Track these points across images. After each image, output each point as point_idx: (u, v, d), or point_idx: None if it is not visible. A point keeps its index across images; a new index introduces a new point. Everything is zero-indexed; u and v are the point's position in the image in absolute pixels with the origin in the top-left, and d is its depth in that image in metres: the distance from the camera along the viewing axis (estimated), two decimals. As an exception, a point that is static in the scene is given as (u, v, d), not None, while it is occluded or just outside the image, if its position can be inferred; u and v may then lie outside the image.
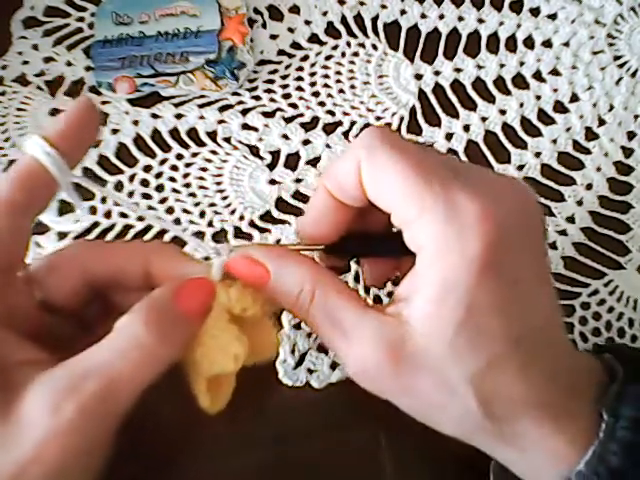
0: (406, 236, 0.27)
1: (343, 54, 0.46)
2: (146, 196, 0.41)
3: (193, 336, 0.26)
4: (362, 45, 0.46)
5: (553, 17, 0.47)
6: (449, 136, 0.44)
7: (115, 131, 0.42)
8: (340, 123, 0.43)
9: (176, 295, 0.26)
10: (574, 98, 0.45)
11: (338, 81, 0.45)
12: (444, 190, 0.25)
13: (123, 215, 0.40)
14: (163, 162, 0.42)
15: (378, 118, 0.44)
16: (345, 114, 0.44)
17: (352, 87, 0.45)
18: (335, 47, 0.46)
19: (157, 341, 0.24)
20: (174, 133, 0.42)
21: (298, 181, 0.42)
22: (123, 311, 0.25)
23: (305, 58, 0.45)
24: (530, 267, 0.26)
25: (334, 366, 0.36)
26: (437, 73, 0.45)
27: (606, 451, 0.26)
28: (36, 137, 0.25)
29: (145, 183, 0.41)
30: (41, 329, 0.26)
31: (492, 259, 0.25)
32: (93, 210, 0.40)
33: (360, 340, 0.26)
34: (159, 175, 0.41)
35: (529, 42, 0.47)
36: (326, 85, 0.45)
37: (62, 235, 0.39)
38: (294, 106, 0.44)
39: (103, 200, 0.40)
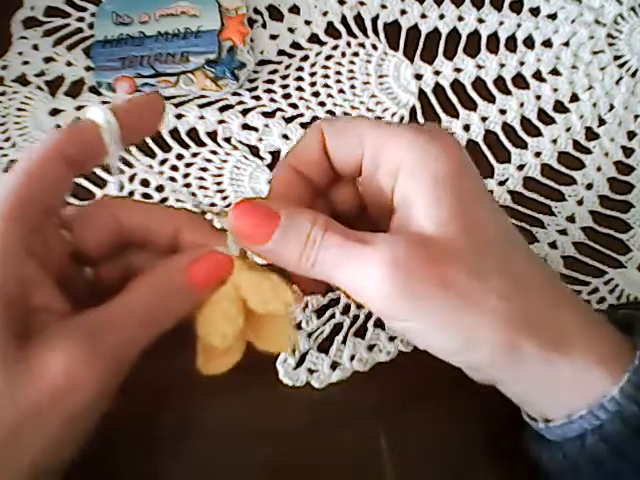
0: (382, 168, 0.28)
1: (343, 54, 0.46)
2: (146, 196, 0.41)
3: (201, 304, 0.27)
4: (362, 45, 0.46)
5: (553, 17, 0.47)
6: (449, 136, 0.44)
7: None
8: (340, 123, 0.43)
9: (190, 265, 0.27)
10: (574, 98, 0.45)
11: (338, 81, 0.45)
12: (409, 125, 0.28)
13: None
14: (163, 162, 0.42)
15: (378, 118, 0.44)
16: (345, 114, 0.44)
17: (352, 87, 0.45)
18: (335, 47, 0.46)
19: (156, 308, 0.26)
20: (174, 133, 0.42)
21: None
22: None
23: (305, 58, 0.45)
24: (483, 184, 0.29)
25: (334, 366, 0.36)
26: (437, 73, 0.45)
27: None
28: (103, 106, 0.27)
29: (145, 183, 0.41)
30: (67, 279, 0.27)
31: (464, 157, 0.27)
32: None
33: (384, 241, 0.26)
34: (159, 175, 0.41)
35: (529, 42, 0.47)
36: (326, 85, 0.45)
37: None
38: (294, 106, 0.44)
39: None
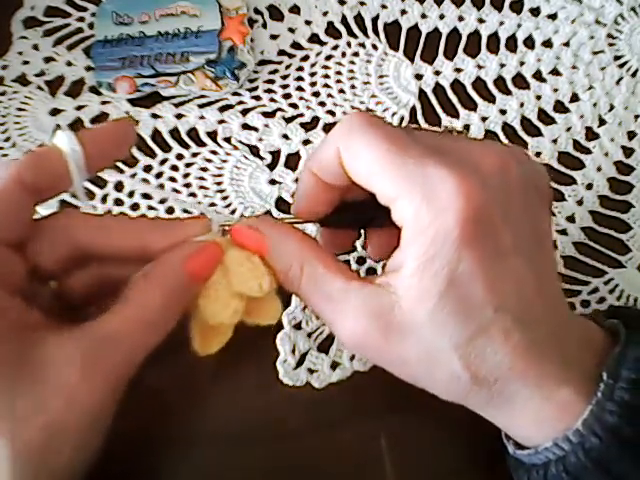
0: (392, 213, 0.27)
1: (343, 54, 0.46)
2: (146, 196, 0.41)
3: (198, 293, 0.28)
4: (362, 45, 0.46)
5: (553, 17, 0.47)
6: (449, 136, 0.44)
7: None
8: (340, 123, 0.43)
9: (186, 261, 0.27)
10: (574, 98, 0.45)
11: (338, 81, 0.45)
12: (419, 168, 0.26)
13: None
14: (163, 162, 0.42)
15: (378, 118, 0.44)
16: (345, 114, 0.44)
17: (352, 87, 0.45)
18: (335, 47, 0.46)
19: (169, 308, 0.27)
20: (174, 133, 0.42)
21: (298, 181, 0.42)
22: (117, 279, 0.27)
23: (305, 58, 0.45)
24: (515, 236, 0.26)
25: (334, 366, 0.36)
26: (437, 73, 0.45)
27: (603, 410, 0.26)
28: (69, 132, 0.27)
29: (145, 183, 0.41)
30: (32, 294, 0.27)
31: (470, 232, 0.25)
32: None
33: (348, 310, 0.27)
34: (159, 175, 0.41)
35: (529, 42, 0.47)
36: (326, 85, 0.45)
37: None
38: (294, 106, 0.44)
39: (103, 199, 0.40)
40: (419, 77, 0.45)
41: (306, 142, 0.43)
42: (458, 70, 0.46)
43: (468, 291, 0.25)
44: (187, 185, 0.41)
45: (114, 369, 0.25)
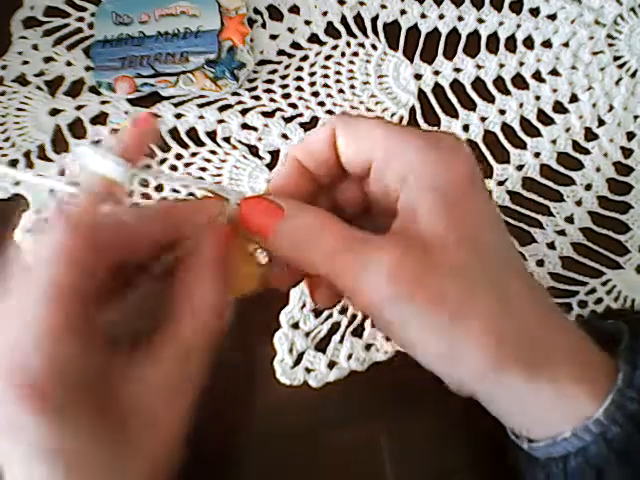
0: (389, 175, 0.28)
1: (343, 54, 0.46)
2: (145, 196, 0.41)
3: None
4: (362, 45, 0.46)
5: (553, 17, 0.47)
6: (448, 136, 0.44)
7: (115, 131, 0.42)
8: (339, 123, 0.43)
9: (216, 251, 0.27)
10: (574, 98, 0.45)
11: (338, 81, 0.45)
12: (423, 132, 0.28)
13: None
14: (162, 162, 0.42)
15: (379, 118, 0.44)
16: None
17: (352, 87, 0.45)
18: (335, 47, 0.46)
19: (225, 302, 0.26)
20: (174, 133, 0.43)
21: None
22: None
23: (305, 58, 0.45)
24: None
25: (332, 365, 0.36)
26: (437, 73, 0.45)
27: (624, 398, 0.26)
28: (120, 160, 0.26)
29: (144, 183, 0.41)
30: None
31: (476, 173, 0.27)
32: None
33: (380, 246, 0.26)
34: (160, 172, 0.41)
35: (529, 42, 0.47)
36: (326, 85, 0.45)
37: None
38: (294, 106, 0.44)
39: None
40: (418, 77, 0.45)
41: (305, 142, 0.43)
42: (457, 70, 0.46)
43: (482, 232, 0.27)
44: (186, 185, 0.41)
45: (193, 385, 0.25)
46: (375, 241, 0.26)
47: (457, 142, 0.28)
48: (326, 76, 0.45)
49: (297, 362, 0.36)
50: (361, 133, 0.28)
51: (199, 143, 0.42)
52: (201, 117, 0.43)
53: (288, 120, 0.43)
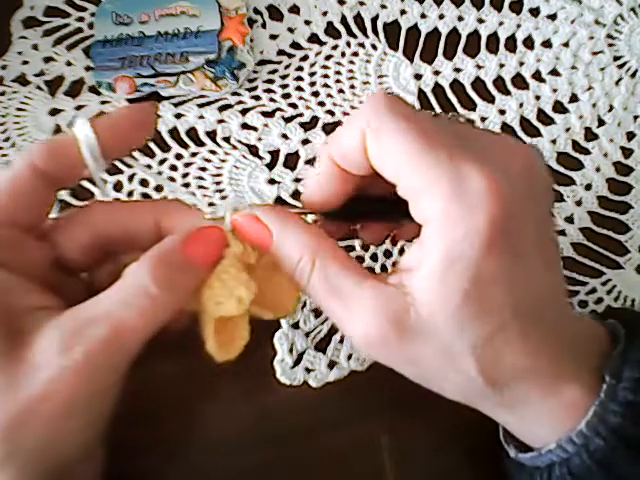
0: (412, 207, 0.26)
1: (343, 54, 0.46)
2: (145, 196, 0.41)
3: (201, 283, 0.27)
4: (362, 45, 0.46)
5: (553, 17, 0.47)
6: (448, 136, 0.44)
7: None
8: (340, 123, 0.43)
9: (185, 243, 0.26)
10: (574, 98, 0.45)
11: (338, 81, 0.45)
12: (451, 161, 0.25)
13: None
14: (162, 162, 0.42)
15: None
16: (345, 114, 0.44)
17: (352, 87, 0.45)
18: (335, 47, 0.46)
19: (162, 289, 0.25)
20: (173, 133, 0.43)
21: (297, 180, 0.42)
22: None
23: (305, 58, 0.45)
24: (533, 238, 0.26)
25: (332, 365, 0.36)
26: (437, 73, 0.45)
27: (606, 411, 0.26)
28: (83, 119, 0.26)
29: (144, 183, 0.41)
30: (55, 286, 0.27)
31: (497, 233, 0.25)
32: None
33: (361, 310, 0.26)
34: (158, 175, 0.41)
35: (529, 42, 0.47)
36: (326, 85, 0.45)
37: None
38: (294, 106, 0.44)
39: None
40: (418, 77, 0.45)
41: (305, 142, 0.43)
42: (457, 70, 0.46)
43: (489, 292, 0.25)
44: (186, 185, 0.41)
45: (96, 351, 0.24)
46: (362, 295, 0.26)
47: (488, 188, 0.25)
48: (326, 76, 0.45)
49: (297, 362, 0.36)
50: (387, 147, 0.26)
51: (199, 143, 0.42)
52: (201, 117, 0.43)
53: (288, 120, 0.43)
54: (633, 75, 0.46)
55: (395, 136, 0.26)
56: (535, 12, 0.48)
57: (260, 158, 0.42)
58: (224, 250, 0.27)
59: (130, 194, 0.41)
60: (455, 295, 0.25)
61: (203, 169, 0.42)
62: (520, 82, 0.46)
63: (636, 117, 0.45)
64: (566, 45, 0.47)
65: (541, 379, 0.26)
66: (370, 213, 0.31)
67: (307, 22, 0.46)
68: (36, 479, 0.24)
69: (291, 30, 0.46)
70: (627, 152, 0.44)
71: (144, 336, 0.25)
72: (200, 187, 0.41)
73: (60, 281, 0.28)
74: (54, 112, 0.43)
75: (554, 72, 0.46)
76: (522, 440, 0.29)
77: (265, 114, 0.43)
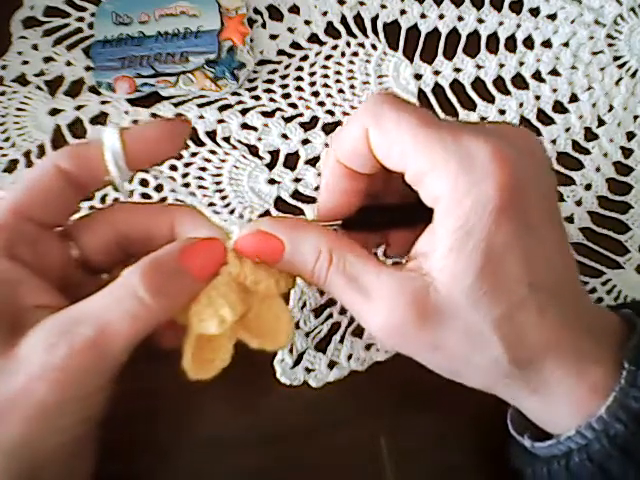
0: (422, 192, 0.27)
1: (343, 54, 0.46)
2: (145, 196, 0.41)
3: (194, 295, 0.27)
4: (362, 45, 0.46)
5: (553, 17, 0.47)
6: (448, 136, 0.44)
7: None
8: (339, 123, 0.43)
9: (183, 251, 0.26)
10: (573, 98, 0.45)
11: (338, 81, 0.45)
12: (454, 138, 0.25)
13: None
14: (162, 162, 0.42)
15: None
16: (345, 114, 0.44)
17: (352, 87, 0.45)
18: (335, 47, 0.46)
19: (152, 294, 0.24)
20: (173, 133, 0.43)
21: (297, 180, 0.42)
22: None
23: (305, 58, 0.45)
24: (544, 212, 0.26)
25: (332, 365, 0.36)
26: (437, 73, 0.45)
27: (627, 396, 0.26)
28: (113, 128, 0.27)
29: (144, 183, 0.41)
30: (75, 286, 0.28)
31: (507, 201, 0.25)
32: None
33: (382, 298, 0.26)
34: (158, 175, 0.41)
35: (529, 42, 0.47)
36: (326, 85, 0.45)
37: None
38: (294, 106, 0.44)
39: (102, 200, 0.40)
40: (418, 77, 0.45)
41: (305, 142, 0.43)
42: (457, 70, 0.46)
43: (504, 265, 0.25)
44: (186, 185, 0.41)
45: (79, 350, 0.23)
46: (381, 285, 0.26)
47: (493, 157, 0.25)
48: (326, 76, 0.45)
49: (297, 362, 0.36)
50: (392, 138, 0.26)
51: (199, 143, 0.42)
52: (201, 117, 0.43)
53: (288, 120, 0.43)
54: (633, 75, 0.46)
55: (398, 124, 0.26)
56: (535, 12, 0.48)
57: (260, 158, 0.42)
58: (221, 267, 0.27)
59: (130, 194, 0.41)
60: (471, 272, 0.25)
61: (203, 169, 0.42)
62: (520, 82, 0.46)
63: (636, 117, 0.45)
64: (566, 45, 0.47)
65: (564, 357, 0.26)
66: (385, 220, 0.31)
67: (307, 22, 0.46)
68: (9, 476, 0.24)
69: (291, 30, 0.46)
70: (627, 152, 0.44)
71: (130, 340, 0.24)
72: (200, 187, 0.41)
73: (81, 281, 0.28)
74: (54, 112, 0.43)
75: (554, 72, 0.46)
76: (542, 427, 0.29)
77: (265, 114, 0.43)
